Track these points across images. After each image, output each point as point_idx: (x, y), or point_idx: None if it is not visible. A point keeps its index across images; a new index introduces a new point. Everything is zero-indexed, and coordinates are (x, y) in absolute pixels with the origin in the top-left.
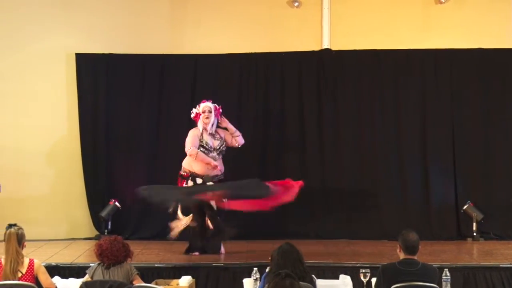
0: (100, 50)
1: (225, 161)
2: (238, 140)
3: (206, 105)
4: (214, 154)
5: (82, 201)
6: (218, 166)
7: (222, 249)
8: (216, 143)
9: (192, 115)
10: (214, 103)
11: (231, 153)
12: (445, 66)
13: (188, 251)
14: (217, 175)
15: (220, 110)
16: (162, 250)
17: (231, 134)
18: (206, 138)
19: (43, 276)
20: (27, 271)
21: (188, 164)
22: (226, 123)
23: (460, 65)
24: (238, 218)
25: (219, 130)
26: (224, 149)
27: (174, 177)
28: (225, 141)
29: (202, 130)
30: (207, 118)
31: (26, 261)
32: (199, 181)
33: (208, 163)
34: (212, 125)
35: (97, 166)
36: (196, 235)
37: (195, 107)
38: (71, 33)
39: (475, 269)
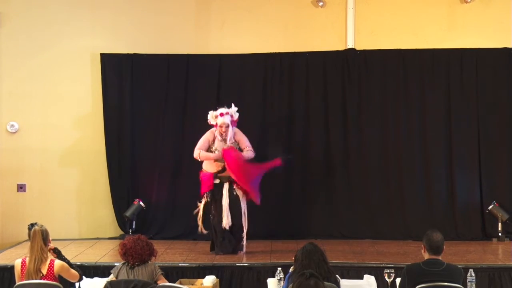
0: (125, 50)
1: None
2: (246, 154)
3: (223, 122)
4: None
5: (107, 200)
6: (218, 161)
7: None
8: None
9: (208, 120)
10: (231, 109)
11: (255, 153)
12: (470, 66)
13: (212, 249)
14: None
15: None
16: (186, 250)
17: (243, 148)
18: (217, 144)
19: (67, 273)
20: (47, 272)
21: (205, 165)
22: (239, 136)
23: (486, 65)
24: (263, 218)
25: (236, 135)
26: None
27: (198, 177)
28: (238, 146)
29: (216, 135)
30: (225, 132)
31: (48, 261)
32: (216, 181)
33: (211, 159)
34: (229, 138)
35: (121, 165)
36: (216, 233)
37: (215, 110)
38: (96, 33)
39: (500, 269)
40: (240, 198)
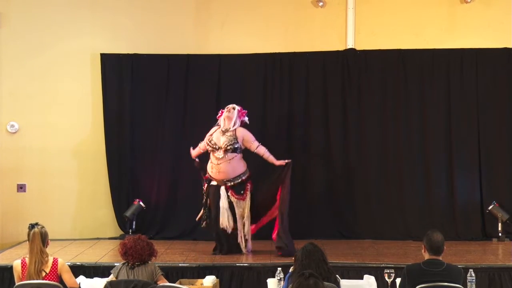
0: (125, 50)
1: (250, 162)
2: (259, 150)
3: (225, 116)
4: (220, 152)
5: (107, 200)
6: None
7: (249, 247)
8: (221, 141)
9: (218, 115)
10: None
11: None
12: (470, 66)
13: (215, 250)
14: (228, 179)
15: (245, 116)
16: (186, 250)
17: (253, 147)
18: (214, 136)
19: (67, 275)
20: (51, 270)
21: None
22: (242, 134)
23: (486, 65)
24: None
25: (238, 131)
26: (236, 146)
27: (198, 176)
28: (242, 143)
29: (216, 127)
30: (228, 114)
31: (50, 260)
32: (213, 183)
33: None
34: (233, 122)
35: (121, 165)
36: (223, 236)
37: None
38: (96, 33)
39: (501, 269)
40: (235, 204)
